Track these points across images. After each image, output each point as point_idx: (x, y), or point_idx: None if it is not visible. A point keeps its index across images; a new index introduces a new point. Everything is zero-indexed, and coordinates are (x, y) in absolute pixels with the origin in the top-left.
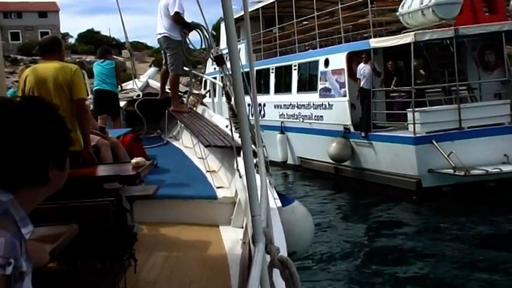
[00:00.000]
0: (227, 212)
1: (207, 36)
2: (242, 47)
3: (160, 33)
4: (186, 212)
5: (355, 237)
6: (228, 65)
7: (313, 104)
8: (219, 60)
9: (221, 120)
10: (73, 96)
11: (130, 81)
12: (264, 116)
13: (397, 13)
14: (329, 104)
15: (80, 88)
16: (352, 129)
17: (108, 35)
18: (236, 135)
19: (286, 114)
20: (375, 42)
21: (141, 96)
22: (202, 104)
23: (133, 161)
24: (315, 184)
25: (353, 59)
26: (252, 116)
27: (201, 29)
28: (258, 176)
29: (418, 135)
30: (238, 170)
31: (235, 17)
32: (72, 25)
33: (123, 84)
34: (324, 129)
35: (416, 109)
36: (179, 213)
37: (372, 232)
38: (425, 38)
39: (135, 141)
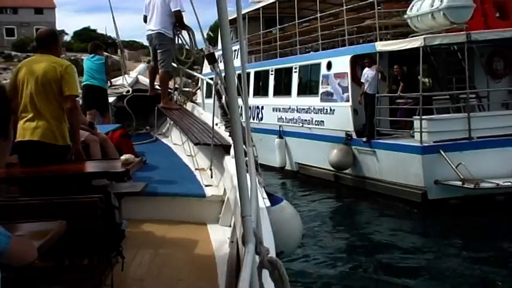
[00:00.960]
0: (215, 210)
1: (193, 37)
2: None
3: (153, 30)
4: (174, 210)
5: (351, 247)
6: (221, 65)
7: (314, 109)
8: (210, 59)
9: (211, 118)
10: (63, 92)
11: (120, 77)
12: (261, 119)
13: (405, 16)
14: (331, 109)
15: (70, 85)
16: (354, 136)
17: (104, 33)
18: (226, 134)
19: (285, 118)
20: (381, 46)
21: (130, 92)
22: (192, 101)
23: (122, 157)
24: (313, 191)
25: (357, 62)
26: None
27: (192, 30)
28: (248, 176)
29: (425, 144)
30: (222, 169)
31: (233, 17)
32: (69, 23)
33: (112, 80)
34: (324, 135)
35: (424, 117)
36: (167, 211)
37: (370, 243)
38: (435, 43)
39: (124, 138)
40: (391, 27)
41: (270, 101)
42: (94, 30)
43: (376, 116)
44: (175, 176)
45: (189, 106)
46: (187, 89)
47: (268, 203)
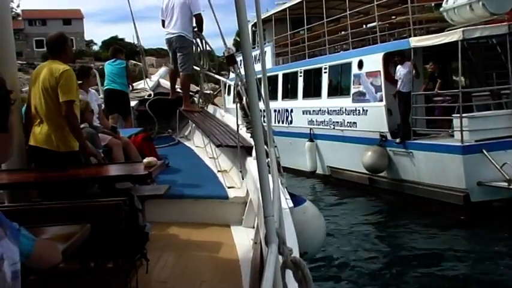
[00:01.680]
0: (238, 212)
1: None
2: (268, 49)
3: (173, 33)
4: (198, 212)
5: (389, 253)
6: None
7: (346, 110)
8: (230, 60)
9: (232, 120)
10: (59, 98)
11: (142, 81)
12: (291, 122)
13: (441, 9)
14: (363, 110)
15: (66, 91)
16: (389, 137)
17: (132, 41)
18: (247, 135)
19: (316, 121)
20: (416, 41)
21: (152, 95)
22: (213, 103)
23: (145, 160)
24: (347, 196)
25: (390, 60)
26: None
27: (205, 39)
28: (270, 177)
29: (466, 143)
30: (245, 170)
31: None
32: (97, 33)
33: (134, 84)
34: (357, 137)
35: (464, 114)
36: (191, 213)
37: (409, 249)
38: (475, 35)
39: (146, 141)
40: (424, 22)
41: (300, 103)
42: (122, 39)
43: (412, 115)
44: (198, 178)
45: (210, 109)
46: (208, 92)
47: (291, 204)
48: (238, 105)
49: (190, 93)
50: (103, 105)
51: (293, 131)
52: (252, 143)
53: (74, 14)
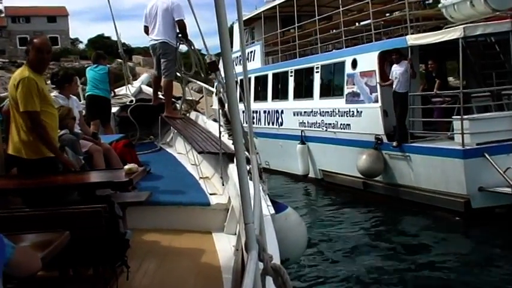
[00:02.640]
0: (220, 218)
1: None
2: (257, 48)
3: (156, 39)
4: (179, 219)
5: (387, 262)
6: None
7: (339, 111)
8: (212, 67)
9: (215, 126)
10: (20, 108)
11: (123, 87)
12: (281, 124)
13: (439, 5)
14: (357, 111)
15: (21, 101)
16: (385, 140)
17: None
18: (230, 142)
19: (308, 123)
20: (414, 39)
21: (134, 101)
22: (196, 110)
23: (126, 167)
24: (340, 200)
25: (385, 59)
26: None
27: (193, 44)
28: (251, 183)
29: (467, 147)
30: (222, 178)
31: (248, 17)
32: (84, 32)
33: (115, 90)
34: (351, 140)
35: (465, 116)
36: (172, 220)
37: (407, 257)
38: (476, 33)
39: (127, 147)
40: (421, 19)
41: (290, 104)
42: (108, 38)
43: (409, 117)
44: (179, 185)
45: (192, 115)
46: (190, 98)
47: (272, 210)
48: (221, 111)
49: (173, 99)
50: (84, 111)
51: (284, 133)
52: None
53: (58, 11)
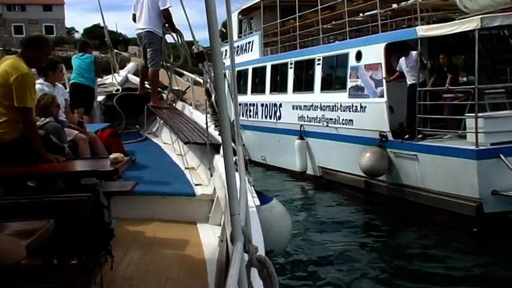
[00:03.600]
0: (205, 209)
1: (181, 39)
2: (255, 39)
3: (142, 28)
4: (164, 209)
5: (388, 268)
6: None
7: (341, 106)
8: (200, 57)
9: (201, 117)
10: (14, 103)
11: (110, 76)
12: (279, 118)
13: None
14: (361, 106)
15: (19, 97)
16: (390, 137)
17: (115, 30)
18: (216, 133)
19: (307, 117)
20: (424, 31)
21: (120, 91)
22: (182, 100)
23: (112, 156)
24: (340, 200)
25: (392, 51)
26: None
27: (181, 33)
28: (237, 175)
29: (481, 147)
30: (210, 169)
31: (246, 6)
32: (80, 22)
33: (99, 80)
34: (353, 136)
35: (479, 114)
36: (157, 210)
37: (409, 263)
38: (495, 24)
39: (113, 137)
40: (431, 10)
41: (290, 97)
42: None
43: (417, 113)
44: (165, 175)
45: (179, 105)
46: (177, 88)
47: (257, 202)
48: (207, 102)
49: (159, 89)
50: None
51: (281, 127)
52: (220, 140)
53: (54, 0)
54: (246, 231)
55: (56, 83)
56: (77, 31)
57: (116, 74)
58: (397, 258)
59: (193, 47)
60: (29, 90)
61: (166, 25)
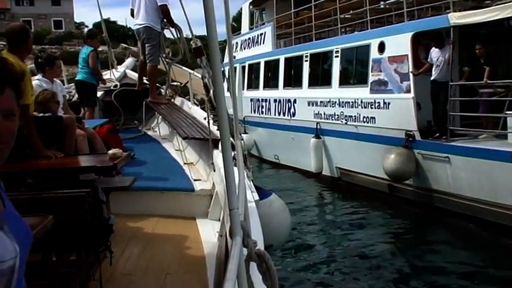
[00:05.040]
0: (204, 204)
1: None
2: (268, 30)
3: (140, 24)
4: (163, 205)
5: (407, 279)
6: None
7: (362, 102)
8: (198, 52)
9: (200, 112)
10: None
11: (108, 71)
12: (294, 114)
13: None
14: (384, 102)
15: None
16: (418, 137)
17: (125, 25)
18: (214, 128)
19: (324, 114)
20: (458, 18)
21: (118, 86)
22: (181, 95)
23: (110, 152)
24: (359, 204)
25: (419, 42)
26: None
27: (179, 28)
28: (236, 169)
29: None
30: (213, 164)
31: None
32: (89, 16)
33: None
34: (376, 135)
35: None
36: (156, 206)
37: (436, 277)
38: None
39: (112, 132)
40: None
41: (305, 93)
42: (114, 22)
43: (450, 110)
44: (163, 170)
45: (177, 101)
46: (175, 84)
47: (256, 197)
48: (206, 97)
49: (158, 84)
50: (68, 96)
51: (296, 125)
52: (219, 135)
53: None
54: (245, 225)
55: (54, 79)
56: (86, 26)
57: (114, 70)
58: (422, 268)
59: (191, 42)
60: (26, 87)
61: (165, 20)
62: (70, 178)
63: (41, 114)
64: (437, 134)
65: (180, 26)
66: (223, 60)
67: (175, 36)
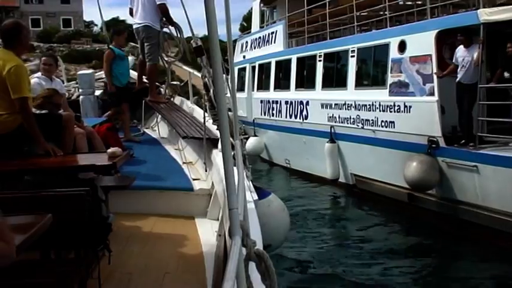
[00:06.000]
0: (203, 204)
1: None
2: (279, 29)
3: (139, 23)
4: (162, 204)
5: None
6: (252, 53)
7: (380, 105)
8: (198, 52)
9: (199, 111)
10: (11, 95)
11: None
12: (306, 117)
13: None
14: (405, 105)
15: (17, 88)
16: (442, 143)
17: (129, 23)
18: (214, 127)
19: (339, 117)
20: (489, 14)
21: None
22: (180, 95)
23: (109, 151)
24: (376, 214)
25: (444, 41)
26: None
27: (179, 26)
28: (235, 169)
29: None
30: (205, 163)
31: None
32: (99, 15)
33: (99, 73)
34: (395, 141)
35: None
36: (155, 205)
37: None
38: None
39: (111, 131)
40: None
41: (318, 94)
42: (123, 21)
43: (479, 115)
44: (163, 169)
45: (177, 100)
46: (175, 83)
47: (255, 196)
48: (206, 97)
49: (157, 83)
50: (67, 94)
51: (308, 128)
52: (218, 135)
53: None
54: (244, 225)
55: (53, 77)
56: (95, 25)
57: None
58: None
59: (191, 41)
60: (23, 80)
61: (164, 19)
62: (69, 176)
63: (38, 112)
64: (463, 141)
65: (181, 25)
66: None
67: (176, 35)
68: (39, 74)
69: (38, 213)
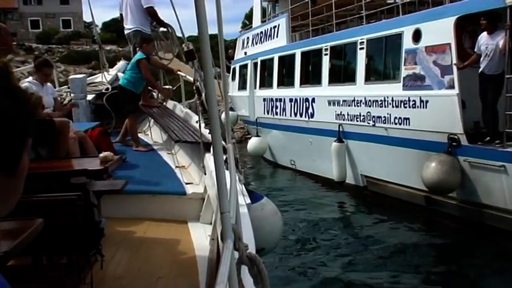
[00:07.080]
0: (196, 208)
1: (175, 35)
2: (282, 22)
3: (130, 28)
4: (155, 208)
5: None
6: (255, 49)
7: (393, 100)
8: (189, 55)
9: (192, 115)
10: None
11: (99, 74)
12: (312, 115)
13: None
14: (421, 100)
15: None
16: (464, 141)
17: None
18: (206, 131)
19: (347, 115)
20: None
21: (110, 89)
22: (172, 99)
23: (101, 155)
24: (389, 219)
25: (464, 28)
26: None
27: (171, 27)
28: (227, 173)
29: None
30: (204, 167)
31: None
32: (100, 16)
33: (91, 77)
34: (410, 139)
35: None
36: (147, 209)
37: None
38: None
39: (103, 135)
40: None
41: (325, 91)
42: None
43: (506, 109)
44: (155, 173)
45: (169, 104)
46: (167, 87)
47: (248, 200)
48: (198, 101)
49: (149, 88)
50: (59, 98)
51: (315, 127)
52: (210, 139)
53: None
54: (236, 229)
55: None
56: (96, 25)
57: (105, 73)
58: None
59: (183, 45)
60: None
61: (154, 23)
62: (61, 181)
63: None
64: (488, 138)
65: (173, 25)
66: (233, 58)
67: (169, 35)
68: (30, 78)
69: (29, 218)
